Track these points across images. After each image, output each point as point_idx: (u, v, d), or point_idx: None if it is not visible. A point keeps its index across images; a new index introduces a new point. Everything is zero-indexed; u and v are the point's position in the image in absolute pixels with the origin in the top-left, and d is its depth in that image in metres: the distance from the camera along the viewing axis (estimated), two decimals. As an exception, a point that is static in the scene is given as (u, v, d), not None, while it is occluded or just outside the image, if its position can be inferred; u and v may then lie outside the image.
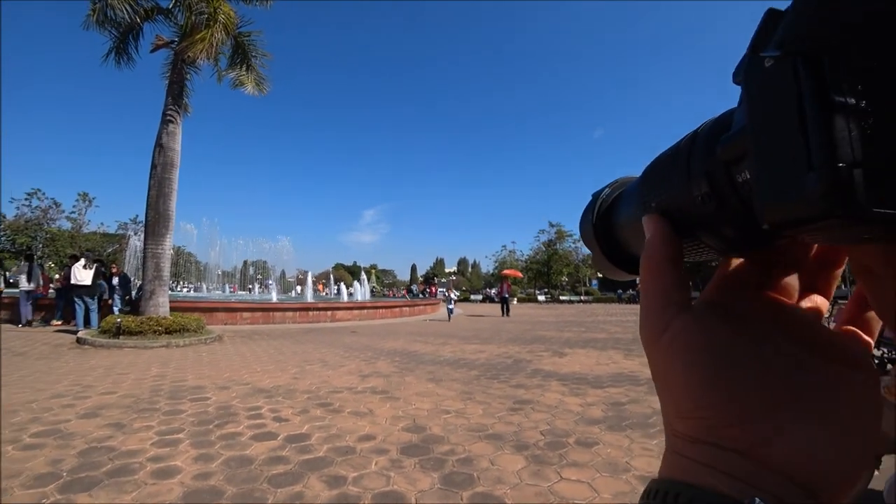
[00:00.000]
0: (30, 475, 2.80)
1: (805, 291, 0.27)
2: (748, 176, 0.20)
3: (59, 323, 11.77)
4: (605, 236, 0.34)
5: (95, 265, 10.89)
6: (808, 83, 0.16)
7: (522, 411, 4.35)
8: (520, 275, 26.56)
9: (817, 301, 0.27)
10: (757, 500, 0.18)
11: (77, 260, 11.02)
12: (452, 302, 18.79)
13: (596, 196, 0.36)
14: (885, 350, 5.37)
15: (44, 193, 43.92)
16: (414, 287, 55.57)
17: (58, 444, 3.33)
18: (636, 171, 0.32)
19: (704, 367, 0.21)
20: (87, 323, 10.53)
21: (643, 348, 0.24)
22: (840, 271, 0.27)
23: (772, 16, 0.19)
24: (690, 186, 0.24)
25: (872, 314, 0.26)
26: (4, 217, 41.81)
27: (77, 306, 10.49)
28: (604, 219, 0.35)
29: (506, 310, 21.64)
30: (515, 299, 40.61)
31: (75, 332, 9.72)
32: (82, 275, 10.39)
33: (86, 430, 3.64)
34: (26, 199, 42.93)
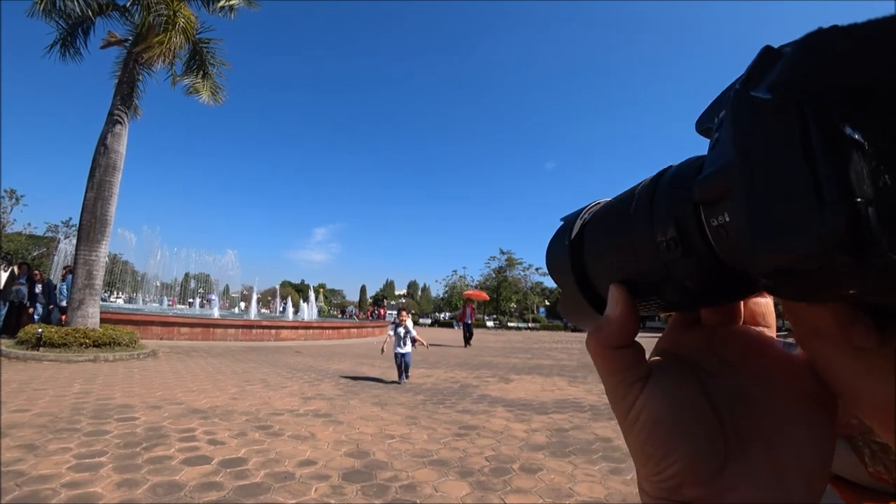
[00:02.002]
0: (-79, 501, 2.51)
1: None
2: (727, 219, 0.19)
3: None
4: (581, 271, 0.30)
5: (11, 269, 9.79)
6: (814, 118, 0.15)
7: (468, 437, 4.33)
8: (486, 296, 22.06)
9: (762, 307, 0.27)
10: None
11: None
12: (410, 340, 7.72)
13: (570, 222, 0.32)
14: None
15: (-37, 189, 40.53)
16: (351, 309, 54.49)
17: (-42, 467, 3.01)
18: (590, 201, 0.32)
19: (665, 438, 0.22)
20: None
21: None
22: None
23: (768, 53, 0.18)
24: (654, 231, 0.23)
25: None
26: None
27: None
28: (577, 250, 0.31)
29: (468, 338, 17.10)
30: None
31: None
32: None
33: (-8, 452, 3.32)
34: (-59, 195, 39.48)
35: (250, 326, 14.83)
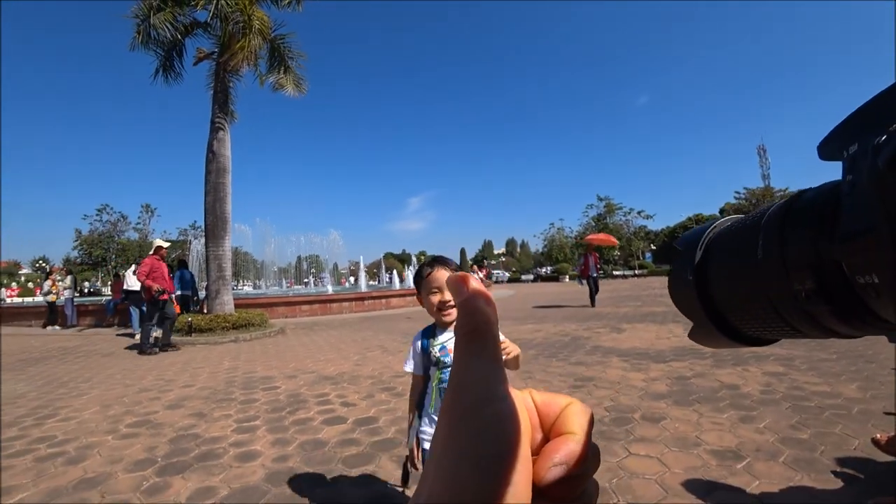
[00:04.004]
0: (129, 461, 3.06)
1: None
2: (876, 280, 0.19)
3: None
4: (710, 306, 0.30)
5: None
6: None
7: (585, 388, 4.31)
8: (614, 241, 19.21)
9: None
10: None
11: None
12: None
13: (688, 251, 0.32)
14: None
15: (112, 208, 47.48)
16: None
17: (150, 433, 3.61)
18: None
19: None
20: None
21: None
22: None
23: None
24: (789, 280, 0.23)
25: None
26: (80, 232, 45.63)
27: (132, 311, 10.78)
28: (702, 286, 0.31)
29: (594, 293, 13.22)
30: (562, 275, 39.40)
31: (133, 336, 10.27)
32: (132, 280, 10.66)
33: (173, 420, 3.93)
34: (97, 215, 46.53)
35: (362, 298, 15.82)
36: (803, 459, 2.60)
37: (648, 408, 3.65)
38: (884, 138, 0.19)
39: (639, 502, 2.24)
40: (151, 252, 8.47)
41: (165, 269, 8.44)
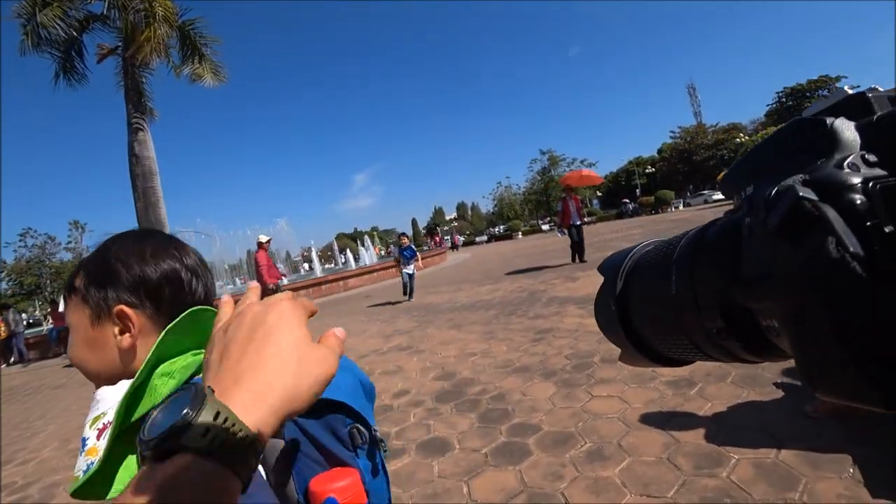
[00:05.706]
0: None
1: None
2: (776, 324, 0.21)
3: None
4: (631, 330, 0.32)
5: None
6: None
7: (545, 340, 4.45)
8: (598, 178, 15.16)
9: None
10: None
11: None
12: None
13: (610, 278, 0.34)
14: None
15: (36, 231, 43.75)
16: (392, 247, 56.68)
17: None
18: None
19: None
20: None
21: None
22: None
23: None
24: (701, 318, 0.25)
25: None
26: (5, 263, 41.93)
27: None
28: (623, 311, 0.32)
29: (579, 250, 10.63)
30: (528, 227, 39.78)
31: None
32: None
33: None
34: (20, 240, 42.74)
35: (319, 283, 15.54)
36: (748, 377, 2.80)
37: (607, 350, 3.82)
38: (774, 192, 0.20)
39: (603, 441, 2.37)
40: (258, 248, 8.73)
41: (270, 260, 9.05)
